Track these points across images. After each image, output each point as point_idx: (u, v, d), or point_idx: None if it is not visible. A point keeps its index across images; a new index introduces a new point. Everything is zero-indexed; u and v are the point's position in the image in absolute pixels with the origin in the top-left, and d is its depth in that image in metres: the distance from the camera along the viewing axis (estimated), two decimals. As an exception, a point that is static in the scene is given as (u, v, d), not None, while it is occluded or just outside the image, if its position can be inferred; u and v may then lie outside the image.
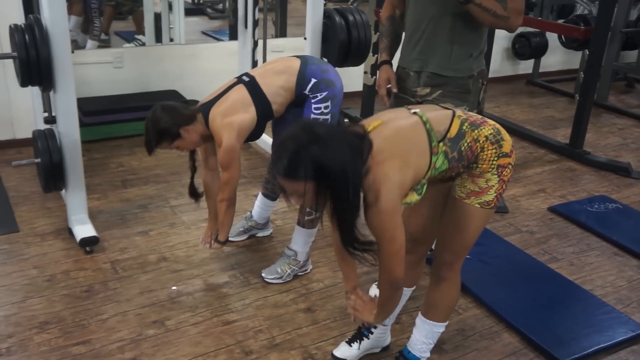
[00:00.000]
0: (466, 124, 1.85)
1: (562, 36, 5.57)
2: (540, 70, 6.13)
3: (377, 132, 1.77)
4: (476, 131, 1.86)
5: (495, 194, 1.92)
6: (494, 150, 1.88)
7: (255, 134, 2.51)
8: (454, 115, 1.86)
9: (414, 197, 1.83)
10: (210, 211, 2.65)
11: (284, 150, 1.64)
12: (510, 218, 3.33)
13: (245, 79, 2.48)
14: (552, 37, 5.80)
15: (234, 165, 2.41)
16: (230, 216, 2.55)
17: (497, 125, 1.95)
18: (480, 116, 1.97)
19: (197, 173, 2.56)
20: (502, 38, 5.82)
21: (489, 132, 1.88)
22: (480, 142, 1.84)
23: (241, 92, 2.44)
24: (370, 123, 1.82)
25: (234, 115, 2.37)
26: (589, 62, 4.21)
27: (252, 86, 2.45)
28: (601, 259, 2.98)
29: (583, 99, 4.23)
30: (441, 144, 1.79)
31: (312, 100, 2.47)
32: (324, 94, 2.47)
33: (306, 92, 2.46)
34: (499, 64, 5.96)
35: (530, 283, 2.72)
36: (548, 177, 3.92)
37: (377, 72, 2.44)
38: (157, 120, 2.34)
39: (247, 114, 2.40)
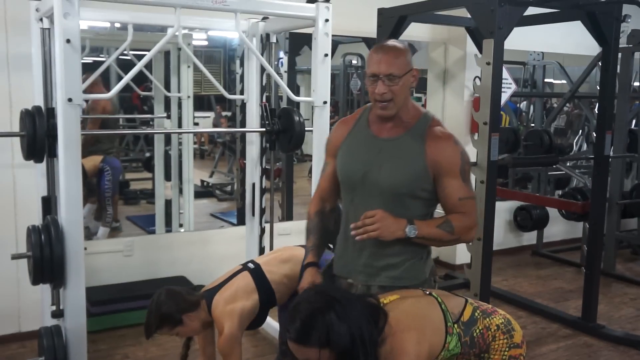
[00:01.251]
0: (478, 312, 1.86)
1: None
2: (545, 240, 6.19)
3: (393, 305, 1.77)
4: (487, 319, 1.87)
5: (508, 386, 1.87)
6: (505, 341, 1.87)
7: (258, 321, 2.51)
8: (466, 302, 1.89)
9: None
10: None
11: (298, 313, 1.60)
12: (530, 403, 3.18)
13: (251, 266, 2.54)
14: (552, 209, 5.94)
15: (235, 354, 2.38)
16: None
17: (507, 315, 1.96)
18: (490, 305, 1.99)
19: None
20: (503, 211, 5.96)
21: (500, 321, 1.88)
22: (492, 330, 1.84)
23: (246, 279, 2.48)
24: (386, 296, 1.82)
25: (237, 302, 2.39)
26: (591, 235, 4.28)
27: (257, 274, 2.50)
28: None
29: (590, 272, 4.22)
30: (456, 325, 1.80)
31: (318, 291, 2.49)
32: (329, 283, 2.49)
33: (311, 281, 2.49)
34: (502, 236, 6.05)
35: None
36: (564, 355, 3.79)
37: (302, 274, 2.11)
38: (160, 305, 2.35)
39: (249, 302, 2.42)
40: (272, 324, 3.66)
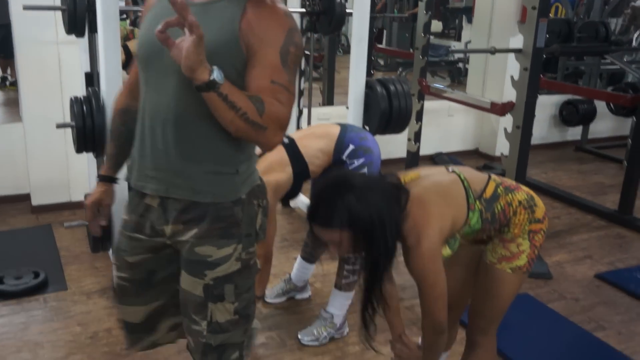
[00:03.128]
0: (501, 188, 1.88)
1: (611, 103, 5.53)
2: (590, 136, 6.06)
3: (415, 183, 1.81)
4: (510, 195, 1.88)
5: (527, 259, 1.92)
6: (526, 215, 1.89)
7: (293, 192, 2.60)
8: (489, 178, 1.90)
9: (446, 251, 1.85)
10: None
11: (319, 199, 1.69)
12: (554, 284, 3.25)
13: (285, 140, 2.59)
14: (600, 104, 5.76)
15: (270, 222, 2.48)
16: (267, 272, 2.62)
17: (531, 192, 1.97)
18: (514, 182, 1.99)
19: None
20: (549, 105, 5.82)
21: (523, 197, 1.90)
22: (514, 206, 1.86)
23: (280, 153, 2.55)
24: (407, 174, 1.86)
25: (271, 174, 2.46)
26: (637, 129, 4.16)
27: (291, 148, 2.56)
28: (651, 329, 2.87)
29: (631, 165, 4.16)
30: (477, 202, 1.83)
31: (349, 167, 2.54)
32: (361, 160, 2.54)
33: (344, 157, 2.54)
34: (547, 130, 5.93)
35: (574, 352, 2.64)
36: (595, 244, 3.82)
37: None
38: None
39: (284, 174, 2.50)
40: (306, 202, 3.78)
